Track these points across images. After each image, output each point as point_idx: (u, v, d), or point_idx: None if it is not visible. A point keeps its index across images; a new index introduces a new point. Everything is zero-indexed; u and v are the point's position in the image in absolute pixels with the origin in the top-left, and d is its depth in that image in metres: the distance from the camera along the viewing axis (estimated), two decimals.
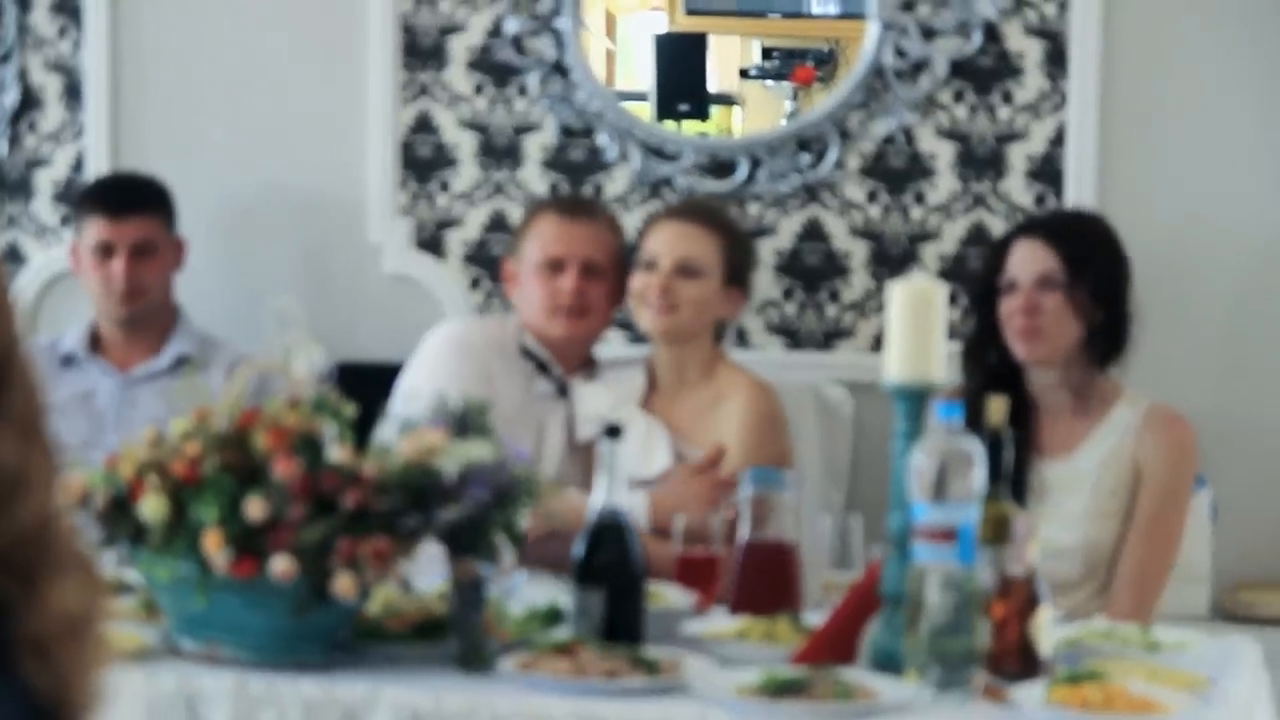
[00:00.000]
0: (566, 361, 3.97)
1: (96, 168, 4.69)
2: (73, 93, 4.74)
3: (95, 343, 4.36)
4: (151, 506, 2.75)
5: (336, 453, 2.82)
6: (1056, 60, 4.26)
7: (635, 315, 3.93)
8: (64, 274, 4.63)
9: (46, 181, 4.78)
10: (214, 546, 2.70)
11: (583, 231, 3.95)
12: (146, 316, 4.31)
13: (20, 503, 1.50)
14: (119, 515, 2.80)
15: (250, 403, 3.01)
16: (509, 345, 3.94)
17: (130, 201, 4.28)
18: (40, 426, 1.53)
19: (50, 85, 4.76)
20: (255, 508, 2.71)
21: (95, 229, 4.26)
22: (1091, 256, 3.67)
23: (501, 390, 3.79)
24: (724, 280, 3.87)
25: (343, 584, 2.71)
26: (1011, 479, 3.09)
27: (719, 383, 3.88)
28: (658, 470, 3.81)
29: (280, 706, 2.75)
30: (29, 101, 4.77)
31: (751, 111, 4.74)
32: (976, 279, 3.87)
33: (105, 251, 4.25)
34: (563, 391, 3.95)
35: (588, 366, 4.01)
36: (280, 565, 2.69)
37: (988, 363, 3.71)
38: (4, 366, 1.51)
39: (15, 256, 4.79)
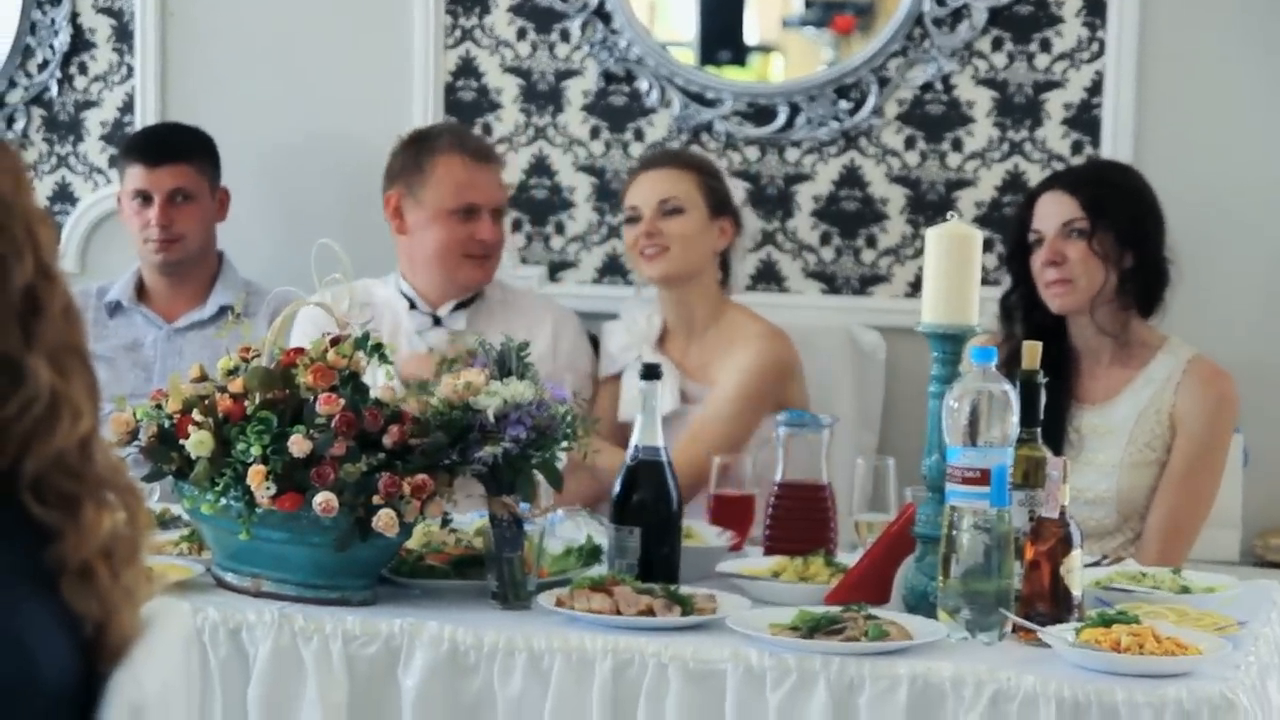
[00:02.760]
0: (436, 299, 4.07)
1: (144, 110, 4.74)
2: (122, 35, 4.78)
3: (141, 292, 4.42)
4: (197, 441, 2.79)
5: (378, 390, 2.87)
6: (1095, 9, 4.25)
7: (634, 267, 4.02)
8: (112, 213, 4.68)
9: (96, 123, 4.83)
10: (258, 481, 2.75)
11: (490, 176, 4.05)
12: (186, 264, 4.37)
13: (57, 428, 1.53)
14: (165, 450, 2.84)
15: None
16: (370, 297, 3.98)
17: (167, 150, 4.34)
18: (75, 355, 1.56)
19: (100, 28, 4.80)
20: (298, 444, 2.75)
21: (134, 177, 4.33)
22: (1112, 200, 3.67)
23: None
24: (710, 213, 3.95)
25: (384, 519, 2.75)
26: (1050, 427, 3.11)
27: (730, 327, 3.95)
28: (663, 412, 3.85)
29: (322, 639, 2.79)
30: (79, 43, 4.82)
31: (791, 60, 4.74)
32: (1008, 239, 3.88)
33: (143, 199, 4.31)
34: (436, 321, 4.05)
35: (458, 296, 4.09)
36: (322, 500, 2.74)
37: (1028, 319, 3.72)
38: (36, 295, 1.54)
39: (65, 196, 4.84)
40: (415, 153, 4.06)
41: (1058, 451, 3.24)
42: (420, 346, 4.02)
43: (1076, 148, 4.27)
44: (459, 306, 4.07)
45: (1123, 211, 3.67)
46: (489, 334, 3.91)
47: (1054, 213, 3.68)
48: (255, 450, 2.76)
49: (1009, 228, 3.92)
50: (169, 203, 4.30)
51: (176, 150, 4.35)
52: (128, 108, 4.78)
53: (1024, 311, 3.73)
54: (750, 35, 4.73)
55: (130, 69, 4.77)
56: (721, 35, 4.66)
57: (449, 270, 4.02)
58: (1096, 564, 3.23)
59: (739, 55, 4.69)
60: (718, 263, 4.00)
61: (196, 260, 4.38)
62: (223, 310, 4.33)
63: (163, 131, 4.50)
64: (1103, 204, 3.65)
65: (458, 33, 4.59)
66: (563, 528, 3.23)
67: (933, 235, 2.91)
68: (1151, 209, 3.71)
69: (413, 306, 4.06)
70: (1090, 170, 3.89)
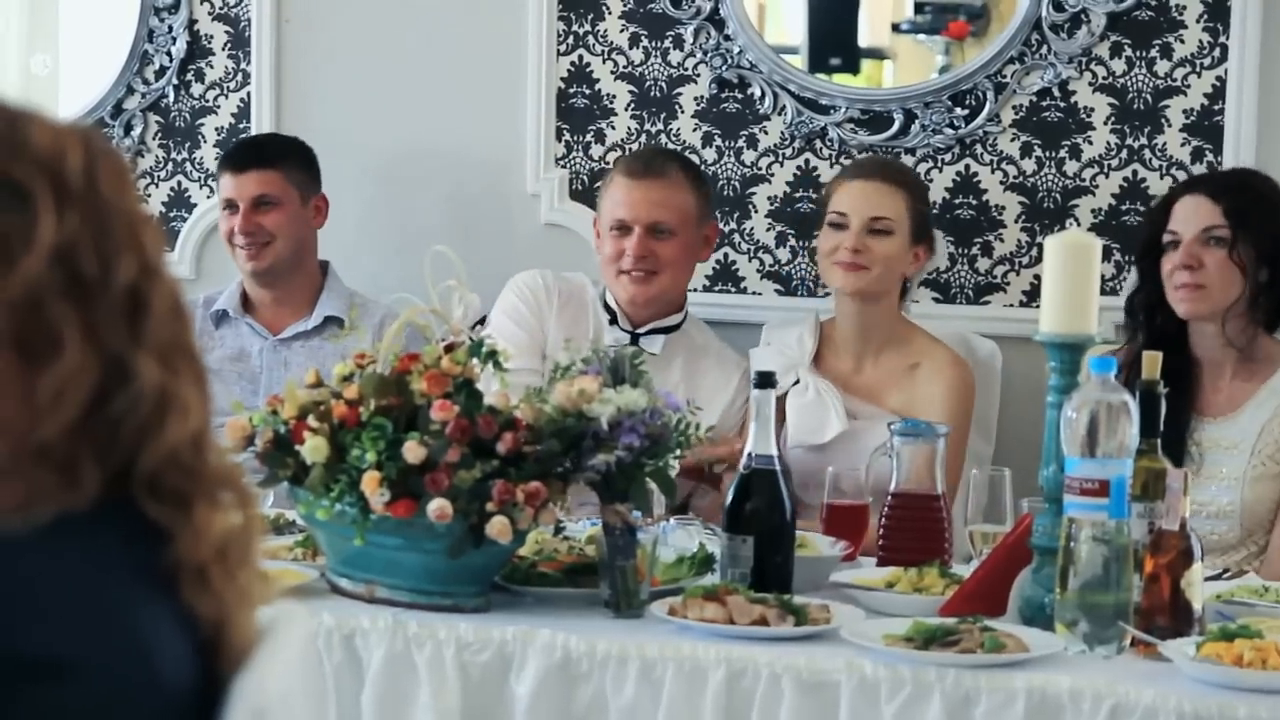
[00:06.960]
0: (636, 314, 4.07)
1: (260, 117, 4.77)
2: (238, 42, 4.82)
3: (246, 302, 4.44)
4: (312, 447, 2.80)
5: (492, 397, 2.87)
6: (1217, 14, 4.20)
7: (824, 274, 3.98)
8: None
9: (211, 129, 4.87)
10: (372, 488, 2.76)
11: (648, 193, 4.00)
12: (280, 272, 4.37)
13: (168, 425, 1.54)
14: (280, 455, 2.86)
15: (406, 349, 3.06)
16: (583, 295, 4.11)
17: (251, 156, 4.38)
18: (184, 352, 1.57)
19: (217, 35, 4.84)
20: (413, 450, 2.76)
21: (223, 186, 4.38)
22: (1256, 212, 3.61)
23: (551, 332, 4.03)
24: (912, 238, 3.90)
25: (497, 526, 2.75)
26: (1170, 440, 3.07)
27: (914, 349, 3.91)
28: (830, 436, 3.82)
29: (435, 646, 2.80)
30: (196, 51, 4.86)
31: (903, 66, 4.71)
32: (1140, 238, 3.83)
33: (232, 207, 4.35)
34: (634, 340, 4.01)
35: (666, 316, 4.08)
36: (437, 507, 2.74)
37: (1151, 323, 3.68)
38: (142, 293, 1.54)
39: (182, 203, 4.89)
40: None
41: (1178, 465, 3.20)
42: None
43: (1197, 155, 4.22)
44: (661, 331, 4.07)
45: (1266, 225, 3.61)
46: (674, 369, 3.94)
47: (1194, 217, 3.62)
48: (370, 456, 2.77)
49: (1142, 227, 3.87)
50: (253, 209, 4.32)
51: (262, 156, 4.37)
52: (243, 114, 4.82)
53: (1148, 314, 3.68)
54: (861, 41, 4.70)
55: (246, 76, 4.81)
56: (833, 41, 4.63)
57: (610, 284, 4.07)
58: (1218, 577, 3.18)
59: (850, 61, 4.66)
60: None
61: (291, 269, 4.38)
62: (328, 321, 4.35)
63: (252, 139, 4.52)
64: (1247, 215, 3.59)
65: (570, 39, 4.59)
66: (675, 536, 3.22)
67: (1051, 244, 2.89)
68: None
69: (613, 321, 4.07)
70: (1234, 178, 3.81)
